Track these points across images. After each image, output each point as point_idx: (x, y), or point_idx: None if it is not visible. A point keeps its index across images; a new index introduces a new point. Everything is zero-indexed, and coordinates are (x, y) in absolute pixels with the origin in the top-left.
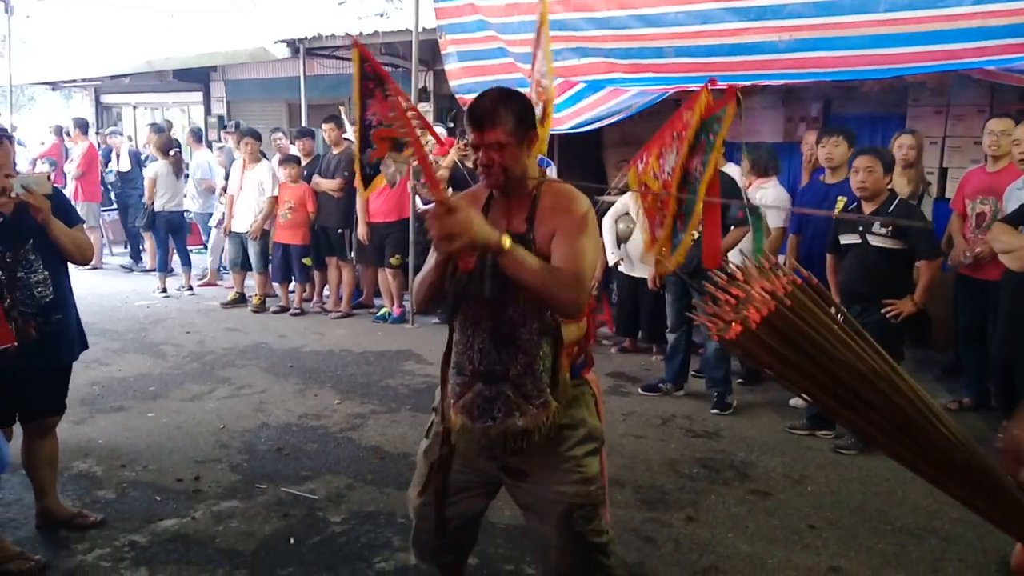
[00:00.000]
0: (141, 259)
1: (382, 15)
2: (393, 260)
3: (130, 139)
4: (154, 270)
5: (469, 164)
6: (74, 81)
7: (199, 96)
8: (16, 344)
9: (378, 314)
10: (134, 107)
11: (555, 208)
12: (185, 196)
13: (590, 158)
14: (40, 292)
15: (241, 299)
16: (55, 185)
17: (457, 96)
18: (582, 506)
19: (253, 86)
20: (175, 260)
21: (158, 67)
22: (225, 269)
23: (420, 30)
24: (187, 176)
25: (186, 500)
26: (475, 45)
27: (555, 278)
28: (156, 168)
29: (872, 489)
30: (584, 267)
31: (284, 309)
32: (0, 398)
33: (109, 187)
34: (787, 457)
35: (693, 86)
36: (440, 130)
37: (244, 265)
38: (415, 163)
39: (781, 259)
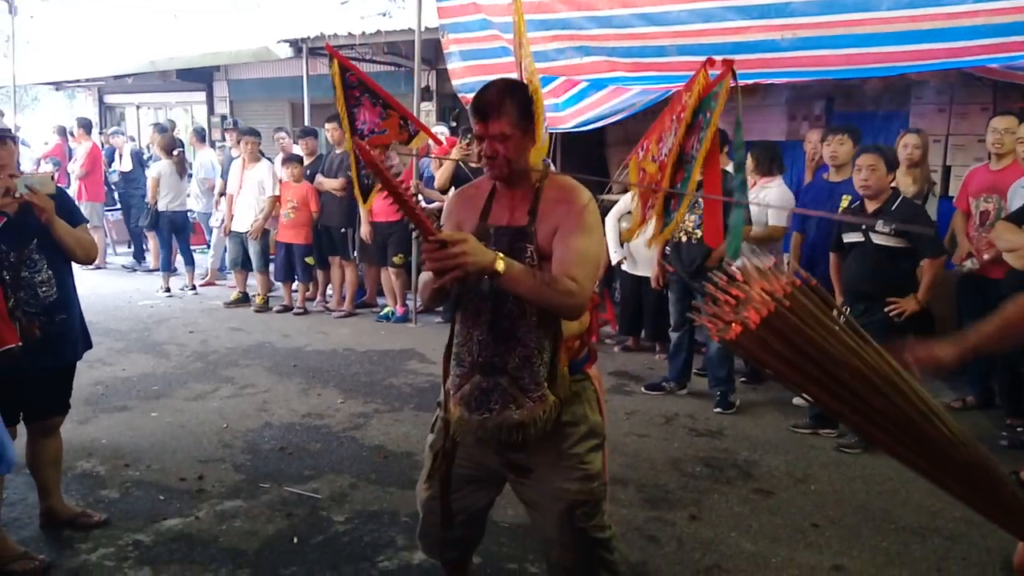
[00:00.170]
0: (144, 259)
1: (385, 14)
2: (396, 259)
3: (132, 139)
4: (157, 270)
5: (472, 164)
6: (78, 81)
7: (202, 96)
8: (20, 344)
9: (381, 313)
10: (137, 107)
11: (558, 201)
12: (188, 196)
13: (593, 157)
14: (44, 292)
15: (244, 299)
16: (59, 185)
17: (460, 95)
18: (584, 503)
19: (256, 86)
20: (178, 260)
21: (161, 67)
22: (226, 269)
23: (423, 29)
24: (190, 176)
25: (190, 500)
26: (478, 44)
27: (553, 289)
28: (159, 168)
29: (875, 488)
30: (584, 269)
31: (287, 308)
32: (4, 397)
33: (113, 187)
34: (790, 456)
35: None
36: (443, 129)
37: (245, 265)
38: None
39: (785, 258)
